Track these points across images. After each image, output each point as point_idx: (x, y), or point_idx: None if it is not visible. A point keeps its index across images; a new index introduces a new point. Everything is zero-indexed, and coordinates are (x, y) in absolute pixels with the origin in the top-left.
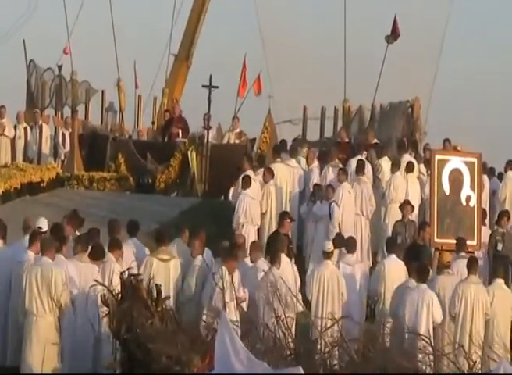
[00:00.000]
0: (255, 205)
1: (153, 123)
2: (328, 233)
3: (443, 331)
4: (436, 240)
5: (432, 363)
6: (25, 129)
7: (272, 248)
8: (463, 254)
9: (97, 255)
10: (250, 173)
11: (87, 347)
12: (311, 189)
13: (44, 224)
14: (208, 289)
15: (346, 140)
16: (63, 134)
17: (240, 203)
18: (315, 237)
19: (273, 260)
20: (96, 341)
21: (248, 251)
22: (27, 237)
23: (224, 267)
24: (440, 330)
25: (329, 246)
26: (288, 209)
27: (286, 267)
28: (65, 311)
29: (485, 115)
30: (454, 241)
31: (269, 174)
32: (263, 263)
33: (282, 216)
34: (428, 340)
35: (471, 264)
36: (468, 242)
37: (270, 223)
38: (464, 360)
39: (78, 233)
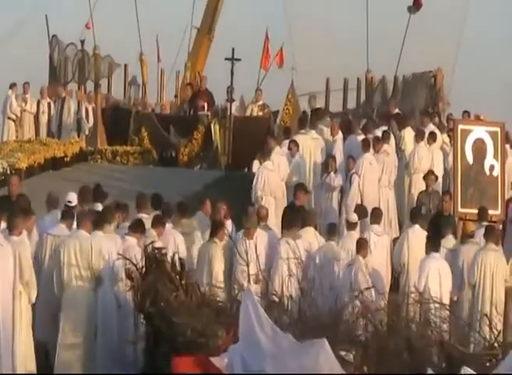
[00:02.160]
0: (274, 177)
1: (176, 96)
2: (342, 204)
3: (467, 300)
4: (460, 210)
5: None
6: (48, 104)
7: (289, 220)
8: (485, 223)
9: (139, 229)
10: (276, 149)
11: (112, 320)
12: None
13: (73, 198)
14: (232, 262)
15: (396, 110)
16: (86, 109)
17: (258, 176)
18: (328, 208)
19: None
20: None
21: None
22: (56, 211)
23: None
24: (464, 300)
25: (354, 217)
26: (311, 181)
27: (313, 239)
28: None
29: (509, 84)
30: (477, 211)
31: (295, 146)
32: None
33: (297, 187)
34: (449, 309)
35: (490, 232)
36: (492, 212)
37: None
38: (487, 329)
39: (101, 206)
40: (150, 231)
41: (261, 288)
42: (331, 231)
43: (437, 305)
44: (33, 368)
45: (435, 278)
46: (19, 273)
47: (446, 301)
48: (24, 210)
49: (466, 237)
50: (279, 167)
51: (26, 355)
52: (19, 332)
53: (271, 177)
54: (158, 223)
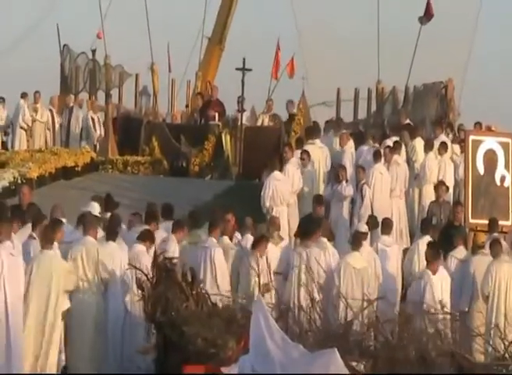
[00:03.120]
0: (283, 186)
1: (187, 106)
2: (354, 215)
3: (478, 311)
4: (471, 220)
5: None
6: (59, 113)
7: (306, 230)
8: (496, 234)
9: (148, 238)
10: (292, 160)
11: (122, 330)
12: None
13: (96, 208)
14: (243, 272)
15: (407, 121)
16: (93, 119)
17: (266, 187)
18: (339, 218)
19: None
20: (129, 324)
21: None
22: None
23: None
24: (475, 311)
25: (365, 227)
26: (321, 191)
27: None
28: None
29: None
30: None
31: (307, 156)
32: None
33: (315, 199)
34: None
35: (495, 244)
36: (503, 222)
37: (306, 205)
38: (499, 340)
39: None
40: (171, 237)
41: (272, 298)
42: (355, 241)
43: (448, 316)
44: None
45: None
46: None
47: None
48: (55, 221)
49: (477, 248)
50: (293, 177)
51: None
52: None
53: (279, 187)
54: (178, 228)
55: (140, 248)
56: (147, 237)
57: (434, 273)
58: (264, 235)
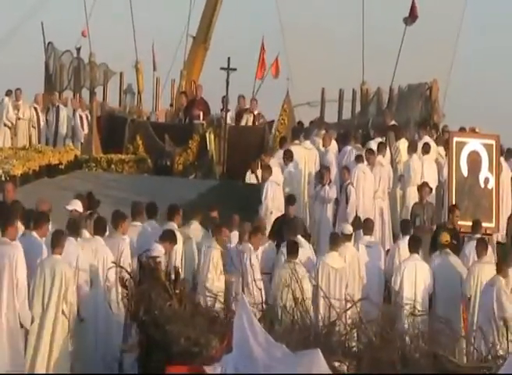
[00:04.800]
0: (280, 192)
1: (171, 105)
2: (338, 215)
3: (460, 313)
4: None
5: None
6: (43, 111)
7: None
8: (478, 236)
9: (168, 239)
10: (271, 161)
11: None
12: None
13: (79, 206)
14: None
15: (392, 122)
16: (81, 117)
17: (268, 191)
18: (322, 219)
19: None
20: (113, 324)
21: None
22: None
23: (246, 247)
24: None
25: (349, 228)
26: (306, 191)
27: (304, 249)
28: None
29: (503, 97)
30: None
31: (289, 156)
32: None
33: (287, 200)
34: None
35: (480, 245)
36: (486, 224)
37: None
38: (482, 342)
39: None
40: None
41: (256, 298)
42: (333, 240)
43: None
44: None
45: (410, 279)
46: (64, 293)
47: (423, 302)
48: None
49: (441, 247)
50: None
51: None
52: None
53: (278, 192)
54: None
55: (160, 248)
56: (167, 238)
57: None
58: (259, 227)
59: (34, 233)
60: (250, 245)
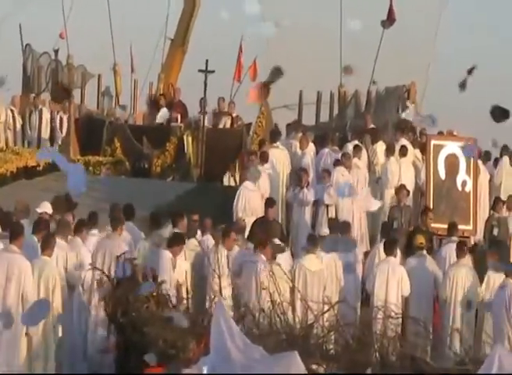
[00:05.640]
0: (255, 197)
1: (147, 104)
2: (317, 218)
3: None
4: (432, 225)
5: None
6: (20, 114)
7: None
8: (454, 238)
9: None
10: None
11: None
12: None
13: (48, 208)
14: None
15: (372, 125)
16: (60, 119)
17: (238, 197)
18: (301, 221)
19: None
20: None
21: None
22: (26, 221)
23: (222, 249)
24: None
25: (325, 230)
26: (283, 194)
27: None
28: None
29: (481, 100)
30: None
31: (264, 158)
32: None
33: (267, 203)
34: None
35: (461, 248)
36: (464, 227)
37: None
38: (459, 344)
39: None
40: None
41: (233, 301)
42: (311, 242)
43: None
44: None
45: (382, 281)
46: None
47: (396, 304)
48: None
49: (415, 249)
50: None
51: None
52: None
53: (252, 197)
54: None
55: (167, 255)
56: (173, 243)
57: None
58: (230, 228)
59: (13, 247)
60: (223, 248)
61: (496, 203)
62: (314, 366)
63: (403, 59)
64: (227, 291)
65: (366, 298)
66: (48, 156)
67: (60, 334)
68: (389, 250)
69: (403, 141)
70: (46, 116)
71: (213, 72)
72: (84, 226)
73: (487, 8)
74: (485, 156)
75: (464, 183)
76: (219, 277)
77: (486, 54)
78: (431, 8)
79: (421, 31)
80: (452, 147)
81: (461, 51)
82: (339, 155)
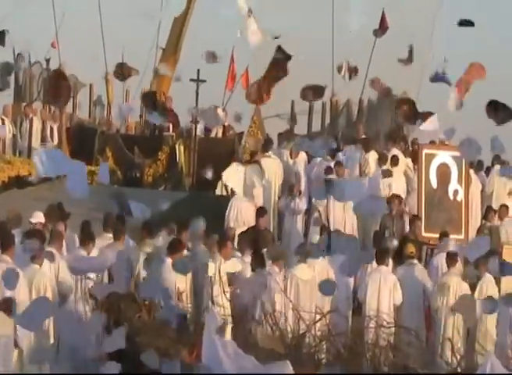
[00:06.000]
0: (247, 208)
1: (141, 116)
2: (310, 227)
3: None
4: (424, 234)
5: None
6: (12, 123)
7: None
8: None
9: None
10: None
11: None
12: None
13: (41, 218)
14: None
15: (363, 136)
16: (51, 128)
17: (230, 208)
18: (293, 230)
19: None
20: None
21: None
22: (18, 230)
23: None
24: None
25: (317, 239)
26: (275, 203)
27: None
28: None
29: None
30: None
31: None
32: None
33: (258, 212)
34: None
35: (451, 257)
36: (455, 236)
37: None
38: (450, 353)
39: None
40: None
41: (225, 310)
42: (302, 251)
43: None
44: None
45: (374, 290)
46: None
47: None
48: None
49: (406, 258)
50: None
51: None
52: None
53: (244, 207)
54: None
55: (168, 262)
56: (175, 249)
57: None
58: (226, 238)
59: (5, 256)
60: (220, 256)
61: (487, 212)
62: None
63: (395, 69)
64: (219, 300)
65: (358, 307)
66: (48, 155)
67: (51, 341)
68: (380, 259)
69: (395, 151)
70: (37, 125)
71: (204, 81)
72: (91, 241)
73: (487, 8)
74: (478, 166)
75: (455, 193)
76: (212, 287)
77: (486, 54)
78: (424, 17)
79: (414, 41)
80: (444, 156)
81: (459, 51)
82: (332, 163)
